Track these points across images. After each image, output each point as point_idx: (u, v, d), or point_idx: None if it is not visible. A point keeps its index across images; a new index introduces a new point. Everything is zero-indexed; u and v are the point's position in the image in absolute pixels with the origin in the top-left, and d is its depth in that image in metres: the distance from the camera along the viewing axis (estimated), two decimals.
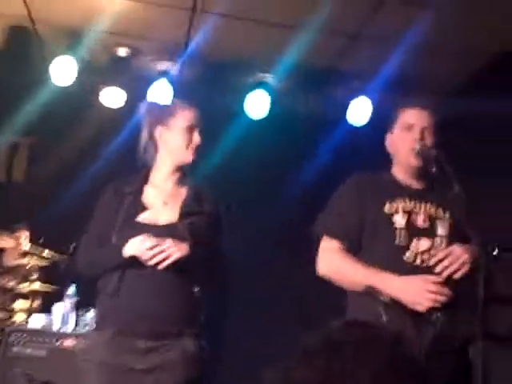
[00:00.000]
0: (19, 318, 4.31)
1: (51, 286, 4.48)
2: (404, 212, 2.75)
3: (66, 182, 4.71)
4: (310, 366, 1.29)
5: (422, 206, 2.78)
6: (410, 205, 2.78)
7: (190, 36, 4.54)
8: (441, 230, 2.74)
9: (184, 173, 3.00)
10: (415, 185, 2.87)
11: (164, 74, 4.73)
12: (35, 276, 4.45)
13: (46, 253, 4.44)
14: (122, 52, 4.71)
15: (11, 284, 4.37)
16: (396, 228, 2.72)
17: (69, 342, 4.02)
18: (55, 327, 4.14)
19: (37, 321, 4.18)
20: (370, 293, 2.59)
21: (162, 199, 2.92)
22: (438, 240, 2.72)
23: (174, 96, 4.60)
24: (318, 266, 2.84)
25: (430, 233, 2.72)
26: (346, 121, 4.79)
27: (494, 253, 2.43)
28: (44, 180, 4.95)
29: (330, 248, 2.81)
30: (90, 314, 4.11)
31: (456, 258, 2.59)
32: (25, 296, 4.41)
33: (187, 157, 2.95)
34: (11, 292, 4.37)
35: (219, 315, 5.04)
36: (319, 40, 4.36)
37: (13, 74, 4.65)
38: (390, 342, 1.33)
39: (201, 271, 2.83)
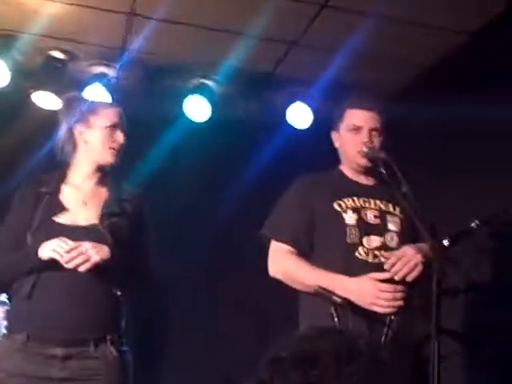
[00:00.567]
0: None
1: None
2: (354, 209, 2.75)
3: None
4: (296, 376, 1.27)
5: (372, 201, 2.80)
6: (359, 201, 2.78)
7: (127, 40, 4.47)
8: (392, 226, 2.77)
9: (105, 173, 2.87)
10: (364, 181, 2.88)
11: (100, 78, 4.63)
12: None
13: None
14: (56, 55, 4.59)
15: None
16: (347, 225, 2.72)
17: None
18: None
19: None
20: (322, 294, 2.58)
21: (81, 200, 2.79)
22: (388, 236, 2.74)
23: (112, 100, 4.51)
24: (270, 268, 2.82)
25: (380, 229, 2.74)
26: (286, 125, 4.80)
27: (445, 243, 2.47)
28: None
29: (280, 251, 2.79)
30: None
31: (408, 261, 2.60)
32: None
33: (107, 157, 2.83)
34: None
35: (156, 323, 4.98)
36: (258, 46, 4.37)
37: None
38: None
39: (122, 274, 2.71)
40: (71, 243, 2.58)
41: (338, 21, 4.10)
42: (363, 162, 2.81)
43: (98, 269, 2.59)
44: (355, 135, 2.83)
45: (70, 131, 2.85)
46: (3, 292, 3.35)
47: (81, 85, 4.61)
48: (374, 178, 2.87)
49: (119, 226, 2.74)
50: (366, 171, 2.86)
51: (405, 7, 3.88)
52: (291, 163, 4.14)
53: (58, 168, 2.88)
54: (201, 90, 4.72)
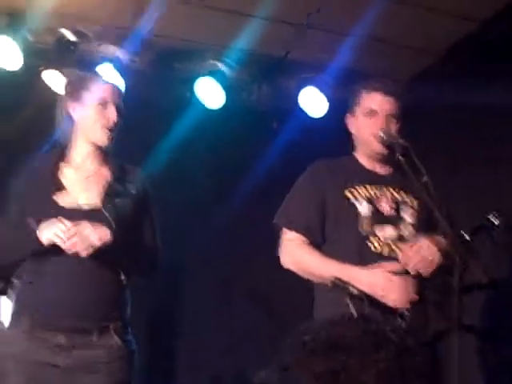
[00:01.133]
0: None
1: None
2: (367, 198, 2.68)
3: None
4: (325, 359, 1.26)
5: (387, 191, 2.72)
6: (372, 190, 2.71)
7: (138, 21, 4.42)
8: (407, 217, 2.70)
9: (106, 152, 2.77)
10: (378, 169, 2.81)
11: (110, 59, 4.58)
12: None
13: None
14: (67, 35, 4.54)
15: None
16: (359, 214, 2.66)
17: None
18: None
19: None
20: (337, 285, 2.53)
21: (81, 180, 2.70)
22: (403, 227, 2.68)
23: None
24: (282, 259, 2.76)
25: (395, 219, 2.67)
26: (299, 111, 4.74)
27: (467, 237, 2.41)
28: None
29: (293, 241, 2.73)
30: None
31: (424, 255, 2.52)
32: None
33: (102, 138, 2.70)
34: None
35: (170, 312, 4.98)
36: (270, 29, 4.32)
37: None
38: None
39: (127, 257, 2.64)
40: (69, 224, 2.48)
41: (352, 4, 4.05)
42: (379, 147, 2.74)
43: (101, 253, 2.51)
44: (371, 119, 2.75)
45: (66, 109, 2.75)
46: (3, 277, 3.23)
47: (91, 65, 4.57)
48: (390, 167, 2.79)
49: (123, 207, 2.66)
50: (382, 158, 2.78)
51: None
52: (305, 150, 4.09)
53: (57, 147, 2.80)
54: (213, 73, 4.65)
